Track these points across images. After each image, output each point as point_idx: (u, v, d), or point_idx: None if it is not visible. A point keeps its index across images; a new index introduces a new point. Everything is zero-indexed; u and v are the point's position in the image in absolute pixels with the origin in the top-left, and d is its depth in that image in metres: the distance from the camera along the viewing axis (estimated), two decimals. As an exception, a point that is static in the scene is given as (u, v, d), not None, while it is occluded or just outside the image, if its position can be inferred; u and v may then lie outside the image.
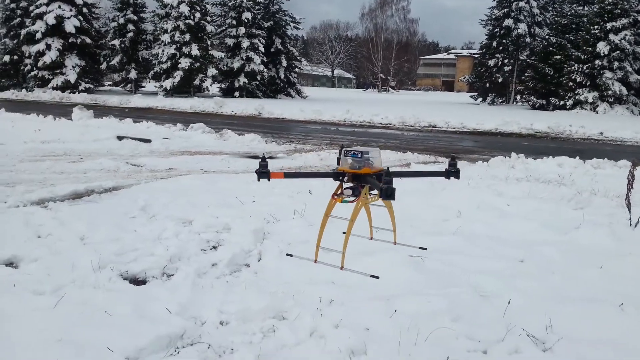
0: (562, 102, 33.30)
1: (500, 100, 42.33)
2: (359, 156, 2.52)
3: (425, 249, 2.92)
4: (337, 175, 2.59)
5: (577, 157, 10.44)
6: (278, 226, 5.39)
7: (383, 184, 2.23)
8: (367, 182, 2.50)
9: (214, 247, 4.80)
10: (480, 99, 43.55)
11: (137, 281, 3.97)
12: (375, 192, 2.57)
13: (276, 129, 18.23)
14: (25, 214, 5.64)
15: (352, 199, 2.54)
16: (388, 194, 2.21)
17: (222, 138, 13.21)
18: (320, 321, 3.28)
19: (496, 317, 3.37)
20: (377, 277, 2.54)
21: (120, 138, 11.89)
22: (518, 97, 40.90)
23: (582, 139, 18.15)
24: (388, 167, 2.60)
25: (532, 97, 35.60)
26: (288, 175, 2.71)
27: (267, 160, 2.56)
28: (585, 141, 17.45)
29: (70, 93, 33.12)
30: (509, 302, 3.45)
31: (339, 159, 2.61)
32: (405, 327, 3.20)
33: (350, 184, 2.55)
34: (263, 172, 2.55)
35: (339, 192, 2.61)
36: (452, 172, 2.76)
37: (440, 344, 3.01)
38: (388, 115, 22.64)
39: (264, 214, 5.73)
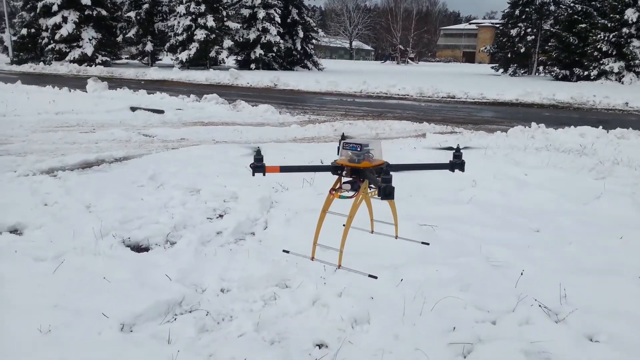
0: (586, 73, 32.26)
1: (522, 72, 41.22)
2: (358, 149, 2.35)
3: (428, 244, 2.75)
4: (335, 168, 2.42)
5: (600, 127, 10.06)
6: (286, 195, 5.27)
7: (382, 183, 2.07)
8: (366, 177, 2.32)
9: (220, 216, 4.71)
10: (501, 70, 42.48)
11: (139, 248, 3.91)
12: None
13: (291, 100, 18.01)
14: (33, 182, 5.62)
15: (350, 194, 2.38)
16: (387, 193, 2.06)
17: (236, 109, 13.07)
18: (323, 289, 3.18)
19: (508, 288, 3.23)
20: (376, 277, 2.39)
21: (133, 109, 11.83)
22: (540, 68, 39.80)
23: (606, 109, 17.56)
24: (387, 163, 2.42)
25: (555, 68, 34.57)
26: (284, 169, 2.55)
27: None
28: (609, 112, 16.87)
29: (87, 66, 33.17)
30: (521, 273, 3.29)
31: (339, 148, 2.43)
32: (411, 296, 3.07)
33: (349, 178, 2.39)
34: (258, 166, 2.40)
35: (337, 186, 2.43)
36: (457, 165, 2.56)
37: (447, 314, 2.88)
38: (405, 86, 22.20)
39: (273, 183, 5.61)
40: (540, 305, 2.96)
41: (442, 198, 5.24)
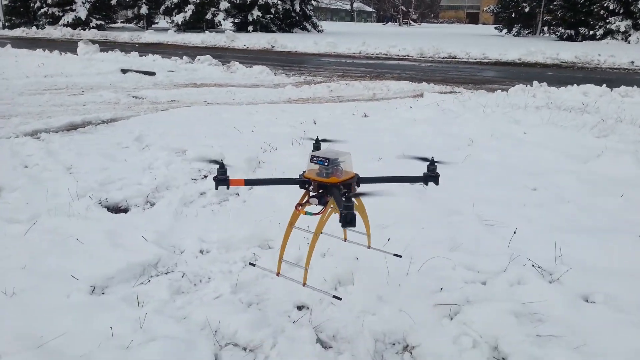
0: (591, 32, 31.46)
1: (527, 32, 40.22)
2: (326, 163, 2.16)
3: (400, 256, 2.55)
4: (303, 182, 2.23)
5: (604, 86, 9.76)
6: (274, 155, 5.09)
7: (342, 209, 1.89)
8: (331, 194, 2.13)
9: (205, 177, 4.54)
10: (505, 31, 41.47)
11: (118, 209, 3.76)
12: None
13: (288, 62, 17.59)
14: (14, 144, 5.44)
15: (316, 211, 2.19)
16: (347, 221, 1.88)
17: (230, 70, 12.74)
18: (306, 250, 3.02)
19: (500, 247, 3.07)
20: (340, 299, 2.21)
21: (124, 71, 11.53)
22: (545, 28, 38.76)
23: (611, 68, 17.14)
24: (358, 176, 2.26)
25: (560, 28, 33.72)
26: (249, 182, 2.35)
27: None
28: (614, 71, 16.46)
29: (81, 30, 32.47)
30: (514, 231, 3.13)
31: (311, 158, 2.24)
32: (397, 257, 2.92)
33: (316, 192, 2.20)
34: (221, 180, 2.21)
35: (305, 200, 2.23)
36: (431, 177, 2.35)
37: (434, 275, 2.74)
38: (406, 46, 21.67)
39: (261, 144, 5.42)
40: (533, 265, 2.81)
41: (436, 157, 5.04)
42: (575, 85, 10.05)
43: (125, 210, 3.74)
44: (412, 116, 6.90)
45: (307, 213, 2.20)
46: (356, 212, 1.89)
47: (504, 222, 3.41)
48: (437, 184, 2.35)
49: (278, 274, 2.36)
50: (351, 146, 5.47)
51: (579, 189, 4.21)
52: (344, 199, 1.93)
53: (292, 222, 2.29)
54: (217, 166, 2.21)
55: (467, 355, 2.15)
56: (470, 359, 2.13)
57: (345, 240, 2.70)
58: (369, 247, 2.63)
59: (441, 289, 2.60)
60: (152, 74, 11.25)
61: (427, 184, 2.38)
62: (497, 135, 5.86)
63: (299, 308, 2.57)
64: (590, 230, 3.39)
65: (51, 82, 10.29)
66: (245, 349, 2.23)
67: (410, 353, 2.23)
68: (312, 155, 2.21)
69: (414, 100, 8.68)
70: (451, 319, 2.40)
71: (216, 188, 2.23)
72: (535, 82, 10.28)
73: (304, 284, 2.22)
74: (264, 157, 4.97)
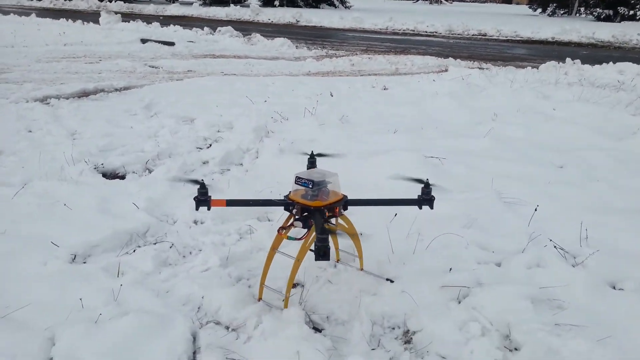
0: (631, 12, 29.96)
1: (562, 12, 38.54)
2: (310, 185, 1.99)
3: (392, 281, 2.30)
4: (287, 205, 2.06)
5: (643, 63, 9.17)
6: (285, 125, 4.84)
7: (316, 242, 1.75)
8: (315, 219, 1.94)
9: (210, 145, 4.33)
10: (539, 10, 39.87)
11: (114, 175, 3.59)
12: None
13: (311, 35, 17.18)
14: (22, 109, 5.32)
15: (299, 235, 2.00)
16: (320, 255, 1.74)
17: (250, 42, 12.46)
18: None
19: (519, 226, 2.79)
20: (320, 331, 2.00)
21: (143, 41, 11.36)
22: (582, 8, 37.15)
23: (651, 48, 16.25)
24: (346, 198, 2.08)
25: (598, 8, 32.20)
26: (232, 202, 2.15)
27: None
28: (654, 50, 15.60)
29: (107, 2, 32.45)
30: (535, 209, 2.84)
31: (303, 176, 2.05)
32: (405, 233, 2.67)
33: (300, 216, 2.03)
34: (201, 200, 2.03)
35: (289, 223, 2.04)
36: (425, 201, 2.13)
37: (443, 253, 2.48)
38: (434, 23, 20.98)
39: (272, 113, 5.18)
40: (555, 247, 2.52)
41: (456, 131, 4.73)
42: (610, 63, 9.47)
43: (122, 177, 3.56)
44: (435, 89, 6.55)
45: (289, 238, 2.01)
46: (338, 240, 1.69)
47: (526, 200, 3.11)
48: (431, 207, 2.14)
49: (260, 299, 2.16)
50: (366, 119, 5.22)
51: (611, 168, 3.87)
52: (319, 230, 1.76)
53: (275, 246, 2.11)
54: (198, 186, 2.04)
55: (475, 344, 1.90)
56: (477, 348, 1.88)
57: (337, 261, 2.49)
58: (361, 269, 2.41)
59: (450, 269, 2.34)
60: (171, 44, 11.06)
61: (420, 208, 2.14)
62: (523, 110, 5.48)
63: (294, 286, 2.34)
64: (621, 211, 3.07)
65: (70, 50, 10.20)
66: (227, 327, 2.03)
67: (411, 339, 2.00)
68: (296, 177, 2.04)
69: (437, 75, 8.29)
70: (459, 302, 2.14)
71: (196, 209, 2.07)
72: (568, 60, 9.74)
73: (285, 307, 2.04)
74: (274, 127, 4.73)
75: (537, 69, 8.99)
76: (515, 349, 1.90)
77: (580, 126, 4.91)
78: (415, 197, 2.15)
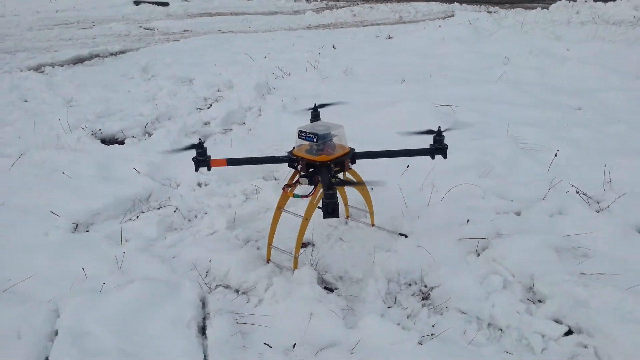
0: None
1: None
2: (314, 139, 1.83)
3: (406, 236, 2.15)
4: (291, 161, 1.92)
5: (659, -3, 8.74)
6: (287, 81, 4.66)
7: (324, 199, 1.62)
8: (320, 175, 1.80)
9: (211, 106, 4.18)
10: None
11: (113, 141, 3.47)
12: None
13: (310, -11, 16.60)
14: (16, 79, 5.17)
15: (306, 193, 1.85)
16: (329, 212, 1.62)
17: (247, -2, 12.06)
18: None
19: (538, 173, 2.66)
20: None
21: (137, 3, 11.03)
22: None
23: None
24: (353, 151, 1.93)
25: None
26: (232, 162, 1.99)
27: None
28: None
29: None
30: (555, 154, 2.69)
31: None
32: (418, 184, 2.55)
33: (306, 172, 1.88)
34: (200, 160, 1.90)
35: (294, 180, 1.91)
36: (438, 150, 1.97)
37: (459, 205, 2.36)
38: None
39: (274, 69, 5.00)
40: (578, 192, 2.39)
41: (467, 78, 4.53)
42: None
43: (121, 142, 3.44)
44: (442, 36, 6.28)
45: (295, 195, 1.87)
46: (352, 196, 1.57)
47: (544, 145, 2.96)
48: (444, 157, 2.00)
49: (268, 261, 2.06)
50: (371, 70, 5.01)
51: (631, 108, 3.69)
52: (326, 186, 1.63)
53: (281, 205, 1.99)
54: (197, 146, 1.90)
55: (497, 298, 1.80)
56: (500, 302, 1.78)
57: (347, 218, 2.37)
58: (372, 225, 2.29)
59: (467, 220, 2.22)
60: (165, 4, 10.73)
61: (433, 158, 2.01)
62: (535, 52, 5.24)
63: (304, 245, 2.25)
64: (645, 152, 2.92)
65: (62, 16, 9.91)
66: (237, 291, 1.94)
67: (429, 295, 1.90)
68: (299, 130, 1.90)
69: (443, 21, 7.96)
70: (478, 255, 2.04)
71: (196, 170, 1.94)
72: (579, -2, 9.32)
73: (295, 268, 1.93)
74: (275, 83, 4.56)
75: (548, 9, 8.62)
76: (540, 301, 1.81)
77: (596, 66, 4.68)
78: (427, 147, 2.01)
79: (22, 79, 5.24)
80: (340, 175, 1.98)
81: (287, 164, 1.98)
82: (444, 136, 1.98)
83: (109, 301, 1.77)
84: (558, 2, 8.94)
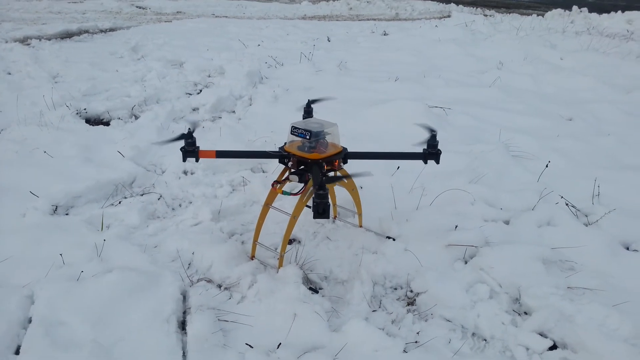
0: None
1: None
2: (307, 136, 1.79)
3: (394, 239, 2.12)
4: (282, 157, 1.87)
5: (652, 12, 8.83)
6: (280, 71, 4.59)
7: (314, 198, 1.56)
8: (311, 173, 1.76)
9: (201, 91, 4.10)
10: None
11: (98, 122, 3.38)
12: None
13: (307, -22, 16.44)
14: (0, 50, 5.02)
15: (296, 190, 1.82)
16: (319, 212, 1.57)
17: (243, -16, 11.86)
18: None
19: (528, 182, 2.65)
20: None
21: (130, -20, 10.76)
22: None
23: (658, -3, 15.70)
24: (345, 150, 1.89)
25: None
26: (221, 154, 1.92)
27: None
28: (661, 0, 15.08)
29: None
30: (547, 165, 2.69)
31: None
32: (408, 187, 2.53)
33: (297, 169, 1.84)
34: (188, 151, 1.83)
35: (284, 177, 1.87)
36: (431, 155, 1.93)
37: (448, 210, 2.34)
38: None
39: (267, 58, 4.92)
40: (567, 204, 2.39)
41: (461, 80, 4.51)
42: (619, 12, 9.12)
43: (106, 123, 3.35)
44: (437, 36, 6.25)
45: (284, 192, 1.83)
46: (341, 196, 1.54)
47: (534, 154, 2.96)
48: (437, 162, 1.95)
49: (252, 257, 2.02)
50: (365, 65, 4.96)
51: (621, 121, 3.71)
52: (317, 186, 1.58)
53: (269, 201, 1.94)
54: (187, 135, 1.84)
55: (482, 308, 1.78)
56: (485, 312, 1.76)
57: (335, 218, 2.33)
58: (360, 226, 2.26)
59: (456, 226, 2.20)
60: (159, -17, 10.48)
61: (426, 162, 1.97)
62: (530, 59, 5.25)
63: (290, 242, 2.20)
64: (634, 167, 2.93)
65: (52, -12, 9.64)
66: (219, 286, 1.89)
67: (414, 301, 1.88)
68: (292, 127, 1.85)
69: (439, 21, 7.94)
70: (465, 262, 2.02)
71: (183, 160, 1.88)
72: (574, 7, 9.37)
73: (280, 266, 1.89)
74: (268, 73, 4.49)
75: (543, 16, 8.65)
76: (525, 313, 1.79)
77: (588, 77, 4.70)
78: (421, 150, 1.98)
79: (7, 50, 5.09)
80: (331, 174, 1.94)
81: (277, 160, 1.93)
82: (438, 141, 1.94)
83: (86, 290, 1.71)
84: (553, 10, 8.97)
